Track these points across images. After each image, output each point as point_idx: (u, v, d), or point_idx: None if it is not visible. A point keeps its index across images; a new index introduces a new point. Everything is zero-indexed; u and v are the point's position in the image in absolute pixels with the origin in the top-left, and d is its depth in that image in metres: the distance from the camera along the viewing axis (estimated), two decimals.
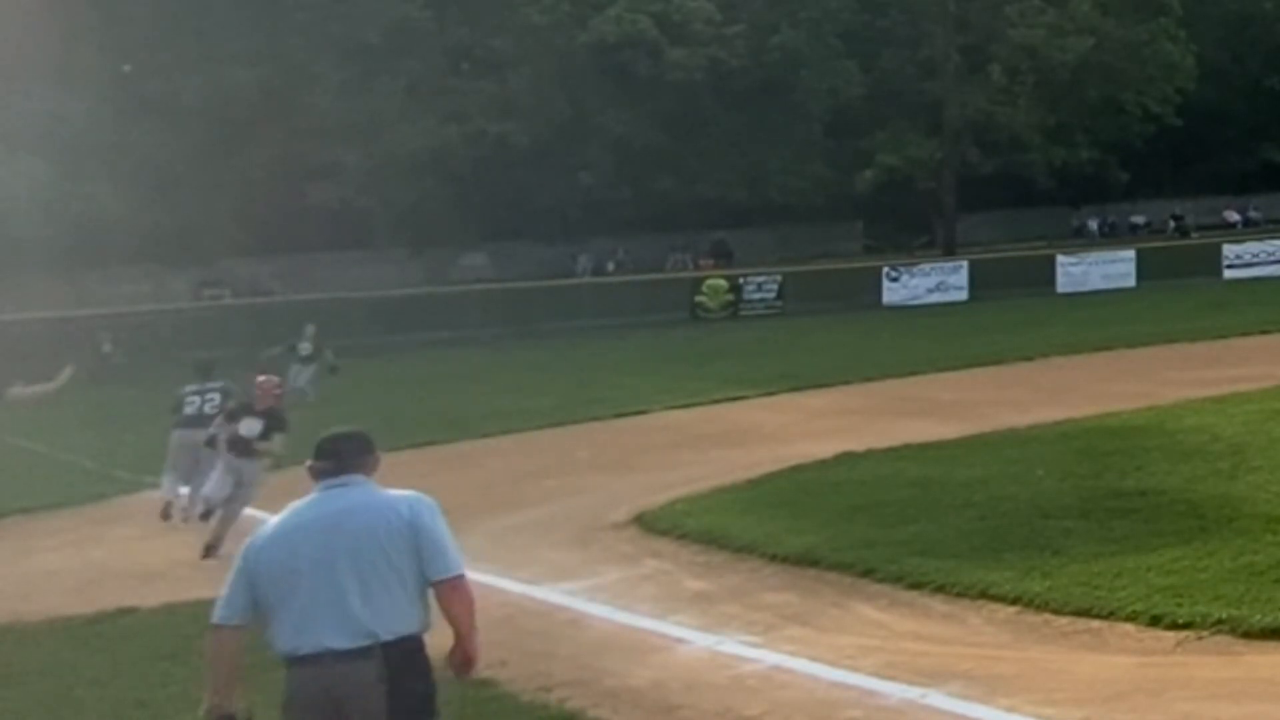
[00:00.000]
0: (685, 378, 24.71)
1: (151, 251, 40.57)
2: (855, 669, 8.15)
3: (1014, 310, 35.50)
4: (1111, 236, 55.43)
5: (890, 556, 10.32)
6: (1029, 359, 25.02)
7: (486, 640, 5.52)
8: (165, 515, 14.17)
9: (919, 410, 19.26)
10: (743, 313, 39.64)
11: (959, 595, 9.42)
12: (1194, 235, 53.12)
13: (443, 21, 47.41)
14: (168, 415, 15.01)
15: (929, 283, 41.77)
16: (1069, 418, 16.62)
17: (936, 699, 7.55)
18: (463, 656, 5.24)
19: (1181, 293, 37.27)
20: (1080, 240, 54.74)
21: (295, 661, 5.03)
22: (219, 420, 13.45)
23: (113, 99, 40.33)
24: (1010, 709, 7.31)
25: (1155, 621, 8.46)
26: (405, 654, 5.06)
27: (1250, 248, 44.56)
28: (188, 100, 41.11)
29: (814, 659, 8.42)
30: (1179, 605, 8.60)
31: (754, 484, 13.97)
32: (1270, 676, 7.59)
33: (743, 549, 11.21)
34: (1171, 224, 56.33)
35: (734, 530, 11.73)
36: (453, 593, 5.15)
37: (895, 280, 41.71)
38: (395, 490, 5.31)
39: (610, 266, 48.97)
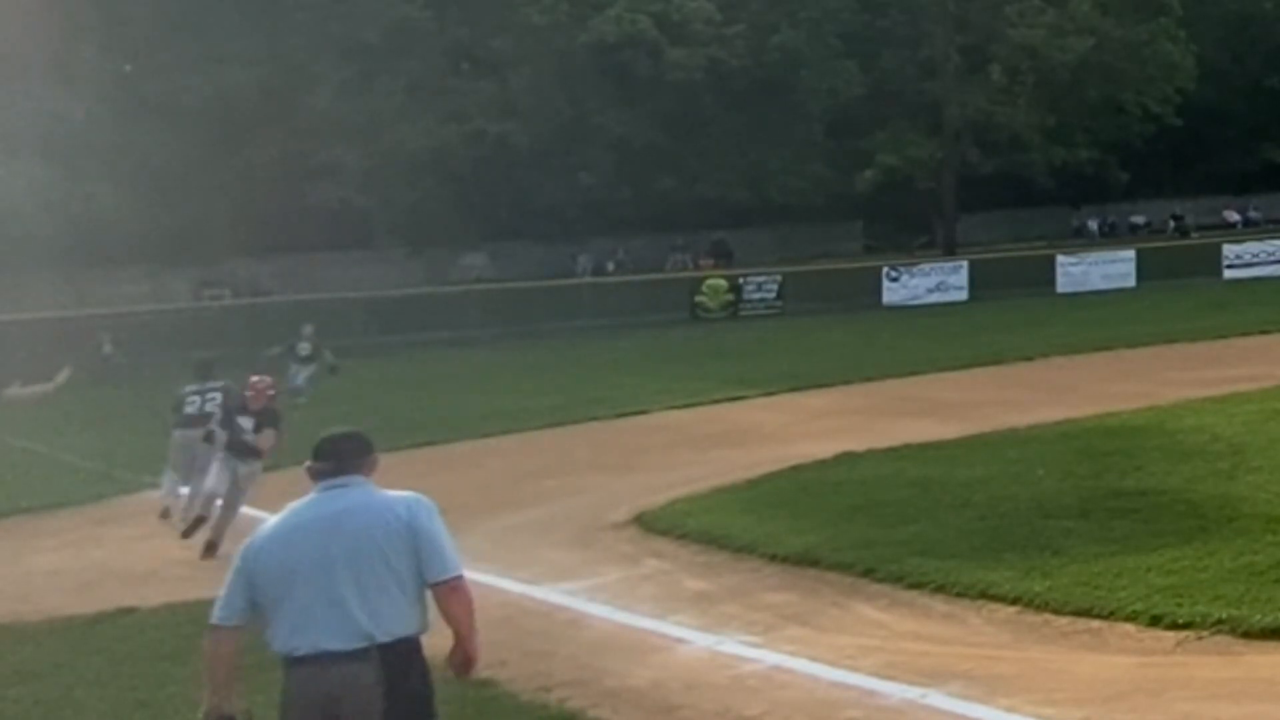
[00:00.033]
0: (685, 378, 24.70)
1: (151, 251, 40.56)
2: (855, 669, 8.15)
3: (1014, 310, 35.50)
4: (1111, 236, 55.40)
5: (890, 556, 10.32)
6: (1029, 359, 25.02)
7: (486, 640, 5.51)
8: (165, 515, 14.17)
9: (919, 410, 19.26)
10: (743, 313, 39.62)
11: (959, 595, 9.42)
12: (1194, 235, 53.10)
13: (443, 21, 47.39)
14: (168, 415, 15.00)
15: (929, 283, 41.76)
16: (1069, 418, 16.63)
17: (936, 699, 7.55)
18: (462, 657, 5.23)
19: (1181, 293, 37.28)
20: (1080, 240, 54.71)
21: (292, 662, 5.02)
22: (218, 417, 13.49)
23: (113, 99, 40.34)
24: (1010, 709, 7.31)
25: (1155, 621, 8.46)
26: (402, 656, 5.05)
27: (1250, 248, 44.55)
28: (188, 100, 41.10)
29: (814, 659, 8.42)
30: (1179, 605, 8.60)
31: (754, 484, 13.97)
32: (1270, 676, 7.59)
33: (743, 549, 11.21)
34: (1171, 224, 56.30)
35: (734, 530, 11.73)
36: (451, 594, 5.14)
37: (895, 280, 41.70)
38: (393, 491, 5.30)
39: (610, 266, 48.94)
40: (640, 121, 48.20)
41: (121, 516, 15.07)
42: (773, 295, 40.56)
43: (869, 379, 23.28)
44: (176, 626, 9.62)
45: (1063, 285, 41.95)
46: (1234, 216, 57.43)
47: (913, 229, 53.57)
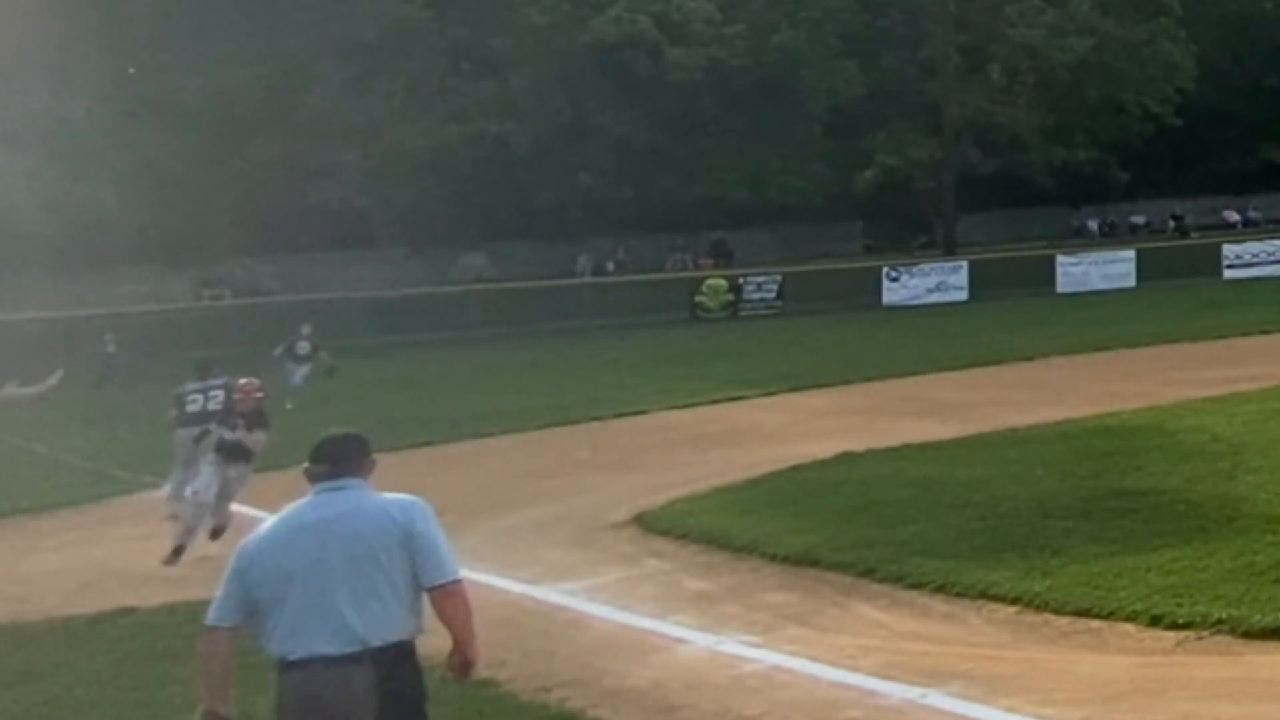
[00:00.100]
0: (685, 378, 24.71)
1: (151, 251, 40.58)
2: (855, 669, 8.14)
3: (1014, 310, 35.52)
4: (1111, 236, 55.41)
5: (890, 556, 10.32)
6: (1029, 359, 25.03)
7: (486, 640, 5.51)
8: (174, 518, 14.12)
9: (919, 410, 19.26)
10: (743, 313, 39.66)
11: (959, 595, 9.42)
12: (1194, 235, 53.11)
13: (443, 21, 47.41)
14: (169, 414, 14.98)
15: (929, 283, 41.79)
16: (1069, 418, 16.63)
17: (936, 699, 7.54)
18: (461, 660, 5.22)
19: (1181, 293, 37.29)
20: (1080, 240, 54.73)
21: (287, 666, 5.02)
22: (220, 415, 13.49)
23: (113, 99, 40.37)
24: (1010, 709, 7.31)
25: (1155, 621, 8.46)
26: (395, 660, 5.04)
27: (1250, 248, 44.59)
28: (188, 100, 41.13)
29: (814, 659, 8.42)
30: (1179, 605, 8.60)
31: (754, 484, 13.96)
32: (1270, 676, 7.58)
33: (743, 549, 11.20)
34: (1171, 224, 56.31)
35: (734, 530, 11.73)
36: (449, 598, 5.12)
37: (895, 280, 41.72)
38: (390, 494, 5.28)
39: (610, 266, 48.95)
40: (640, 121, 48.21)
41: (121, 516, 15.07)
42: (773, 295, 40.58)
43: (869, 379, 23.28)
44: (176, 626, 9.60)
45: (1063, 285, 41.98)
46: (1234, 216, 57.43)
47: (913, 229, 53.59)
